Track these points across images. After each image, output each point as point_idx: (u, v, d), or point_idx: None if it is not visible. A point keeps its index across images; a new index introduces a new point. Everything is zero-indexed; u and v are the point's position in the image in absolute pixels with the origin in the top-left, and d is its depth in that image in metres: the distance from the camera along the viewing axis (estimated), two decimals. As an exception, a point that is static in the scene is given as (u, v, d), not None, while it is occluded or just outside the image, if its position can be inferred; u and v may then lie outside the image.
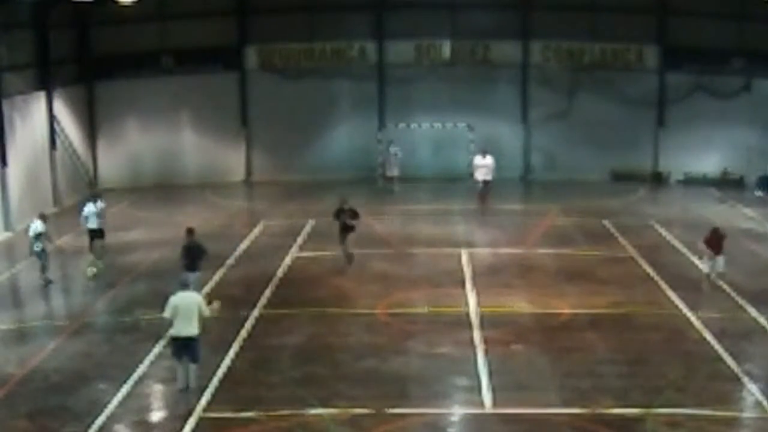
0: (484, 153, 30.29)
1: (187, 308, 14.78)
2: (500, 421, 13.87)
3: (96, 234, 23.04)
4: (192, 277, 17.98)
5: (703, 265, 20.69)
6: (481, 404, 14.46)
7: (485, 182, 29.86)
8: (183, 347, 14.83)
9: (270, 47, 35.96)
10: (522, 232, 26.92)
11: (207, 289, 20.66)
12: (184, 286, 15.36)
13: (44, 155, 31.07)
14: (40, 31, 30.49)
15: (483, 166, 29.91)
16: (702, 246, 20.66)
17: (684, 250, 24.16)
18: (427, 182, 34.36)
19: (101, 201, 23.56)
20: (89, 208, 22.99)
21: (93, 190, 26.19)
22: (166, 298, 15.18)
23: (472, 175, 30.92)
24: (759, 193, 32.29)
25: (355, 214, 22.86)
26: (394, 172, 33.65)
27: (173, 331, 14.90)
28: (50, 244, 22.36)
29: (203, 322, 15.02)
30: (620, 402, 14.31)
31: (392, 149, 33.74)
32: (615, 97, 35.15)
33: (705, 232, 20.82)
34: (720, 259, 20.28)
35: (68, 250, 25.89)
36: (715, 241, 20.40)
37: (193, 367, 14.91)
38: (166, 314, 14.92)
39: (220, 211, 30.72)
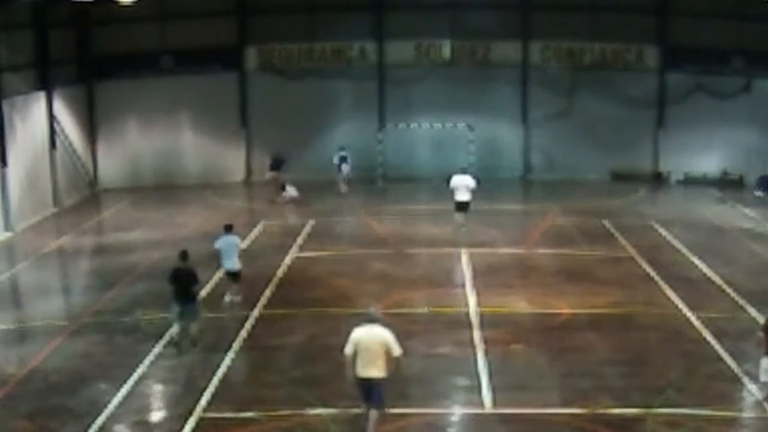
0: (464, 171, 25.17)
1: (368, 347, 12.62)
2: (500, 421, 13.86)
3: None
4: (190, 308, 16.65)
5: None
6: (481, 404, 14.45)
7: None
8: (367, 389, 12.78)
9: (270, 47, 35.94)
10: (522, 232, 26.89)
11: (208, 288, 20.68)
12: (371, 320, 12.93)
13: (44, 155, 31.03)
14: (40, 31, 30.44)
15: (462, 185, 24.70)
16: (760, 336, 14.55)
17: (684, 250, 24.17)
18: (427, 182, 34.33)
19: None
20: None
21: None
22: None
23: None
24: (759, 193, 32.22)
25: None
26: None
27: (358, 369, 12.72)
28: None
29: (392, 363, 12.67)
30: (620, 402, 14.29)
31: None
32: (615, 97, 35.14)
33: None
34: None
35: (68, 249, 25.94)
36: None
37: (374, 413, 12.86)
38: (347, 350, 12.74)
39: (220, 211, 30.64)
